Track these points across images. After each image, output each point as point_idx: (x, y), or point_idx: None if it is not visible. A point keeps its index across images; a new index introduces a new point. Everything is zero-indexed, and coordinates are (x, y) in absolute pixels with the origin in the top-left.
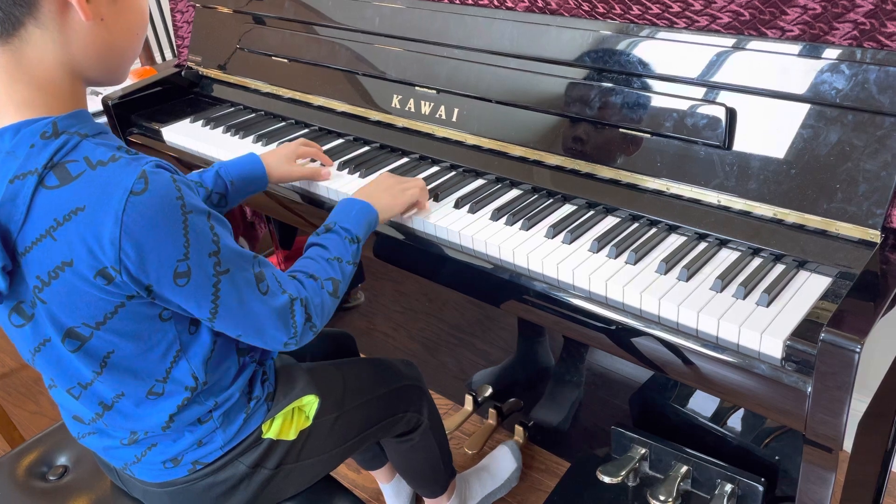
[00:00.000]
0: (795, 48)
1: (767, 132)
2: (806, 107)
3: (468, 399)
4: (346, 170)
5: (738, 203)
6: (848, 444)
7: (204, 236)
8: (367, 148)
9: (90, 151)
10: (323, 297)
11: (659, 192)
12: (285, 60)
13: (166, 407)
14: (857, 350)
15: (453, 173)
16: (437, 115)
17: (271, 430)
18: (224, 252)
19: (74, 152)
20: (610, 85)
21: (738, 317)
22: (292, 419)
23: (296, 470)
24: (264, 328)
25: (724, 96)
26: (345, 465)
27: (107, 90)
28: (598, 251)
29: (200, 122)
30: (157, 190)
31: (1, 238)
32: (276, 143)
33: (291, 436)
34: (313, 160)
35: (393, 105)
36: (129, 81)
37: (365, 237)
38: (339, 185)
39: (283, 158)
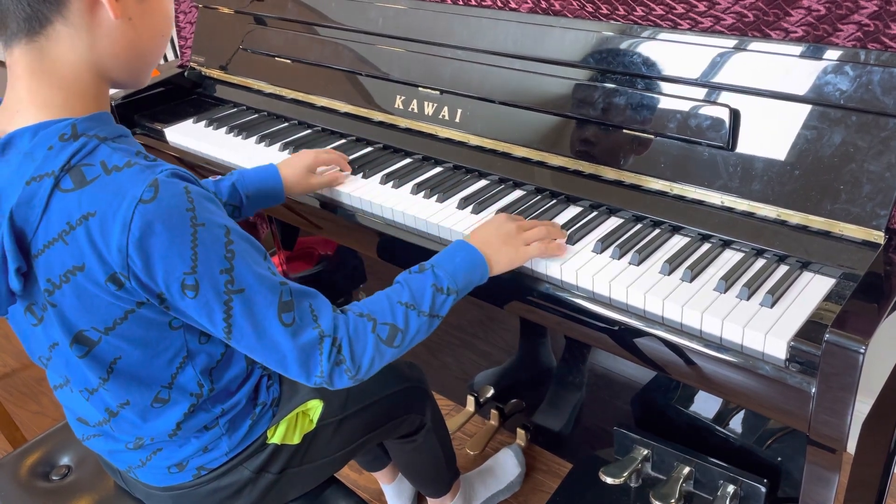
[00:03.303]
0: (799, 49)
1: (771, 133)
2: (809, 108)
3: (470, 400)
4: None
5: (741, 204)
6: (851, 446)
7: (215, 251)
8: (369, 149)
9: (107, 156)
10: (369, 341)
11: (662, 193)
12: (288, 61)
13: (173, 415)
14: (862, 351)
15: (456, 174)
16: (441, 116)
17: (276, 435)
18: (239, 270)
19: (91, 156)
20: (613, 86)
21: (742, 318)
22: (296, 423)
23: (300, 473)
24: (286, 361)
25: (727, 97)
26: (347, 465)
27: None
28: (601, 252)
29: (203, 123)
30: (165, 199)
31: (16, 240)
32: (278, 144)
33: (296, 440)
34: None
35: (396, 106)
36: None
37: (464, 291)
38: (341, 186)
39: (302, 170)
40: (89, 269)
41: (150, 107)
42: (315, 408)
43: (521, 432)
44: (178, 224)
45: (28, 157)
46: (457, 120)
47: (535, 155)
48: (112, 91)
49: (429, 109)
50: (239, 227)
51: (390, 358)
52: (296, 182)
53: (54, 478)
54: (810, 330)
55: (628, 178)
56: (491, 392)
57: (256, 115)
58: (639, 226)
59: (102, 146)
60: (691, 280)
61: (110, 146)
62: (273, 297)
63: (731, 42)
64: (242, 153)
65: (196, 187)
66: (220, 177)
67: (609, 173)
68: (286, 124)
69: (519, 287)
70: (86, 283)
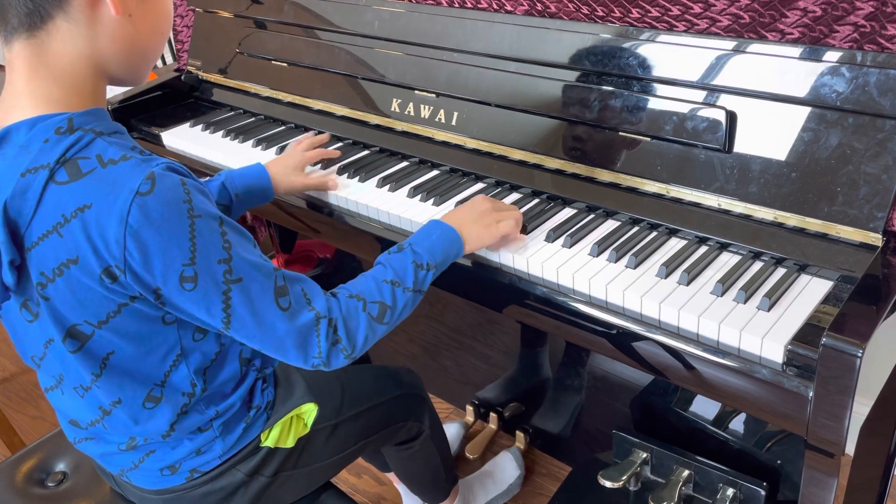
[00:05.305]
0: (795, 51)
1: (768, 135)
2: (806, 110)
3: (469, 409)
4: (346, 174)
5: (738, 206)
6: (850, 449)
7: (212, 242)
8: (366, 152)
9: (103, 149)
10: (362, 320)
11: (659, 196)
12: (285, 64)
13: (166, 415)
14: (859, 354)
15: (453, 177)
16: (437, 119)
17: (269, 438)
18: (236, 260)
19: (87, 149)
20: (610, 88)
21: (739, 321)
22: (290, 427)
23: (293, 477)
24: (284, 345)
25: (724, 99)
26: (346, 469)
27: (107, 94)
28: (598, 255)
29: (200, 127)
30: (163, 192)
31: (10, 232)
32: (275, 147)
33: (289, 443)
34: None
35: (392, 109)
36: None
37: (442, 266)
38: (339, 190)
39: (290, 170)
40: (83, 261)
41: (146, 110)
42: (309, 411)
43: (520, 435)
44: (175, 216)
45: (24, 150)
46: (453, 123)
47: (531, 158)
48: (109, 95)
49: (425, 112)
50: (229, 218)
51: (381, 334)
52: (284, 180)
53: (50, 484)
54: (807, 333)
55: (625, 180)
56: (490, 395)
57: (253, 119)
58: (636, 228)
59: (98, 140)
60: (688, 283)
61: (106, 140)
62: (269, 283)
63: (727, 44)
64: (239, 157)
65: (190, 180)
66: (208, 178)
67: (606, 176)
68: (283, 128)
69: (516, 291)
70: (80, 276)
